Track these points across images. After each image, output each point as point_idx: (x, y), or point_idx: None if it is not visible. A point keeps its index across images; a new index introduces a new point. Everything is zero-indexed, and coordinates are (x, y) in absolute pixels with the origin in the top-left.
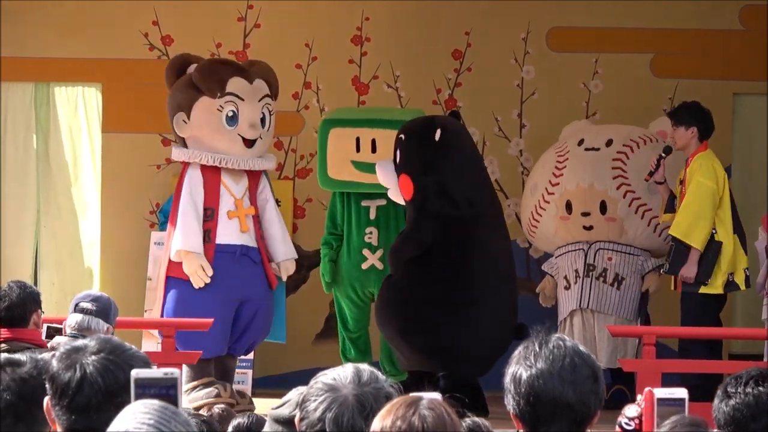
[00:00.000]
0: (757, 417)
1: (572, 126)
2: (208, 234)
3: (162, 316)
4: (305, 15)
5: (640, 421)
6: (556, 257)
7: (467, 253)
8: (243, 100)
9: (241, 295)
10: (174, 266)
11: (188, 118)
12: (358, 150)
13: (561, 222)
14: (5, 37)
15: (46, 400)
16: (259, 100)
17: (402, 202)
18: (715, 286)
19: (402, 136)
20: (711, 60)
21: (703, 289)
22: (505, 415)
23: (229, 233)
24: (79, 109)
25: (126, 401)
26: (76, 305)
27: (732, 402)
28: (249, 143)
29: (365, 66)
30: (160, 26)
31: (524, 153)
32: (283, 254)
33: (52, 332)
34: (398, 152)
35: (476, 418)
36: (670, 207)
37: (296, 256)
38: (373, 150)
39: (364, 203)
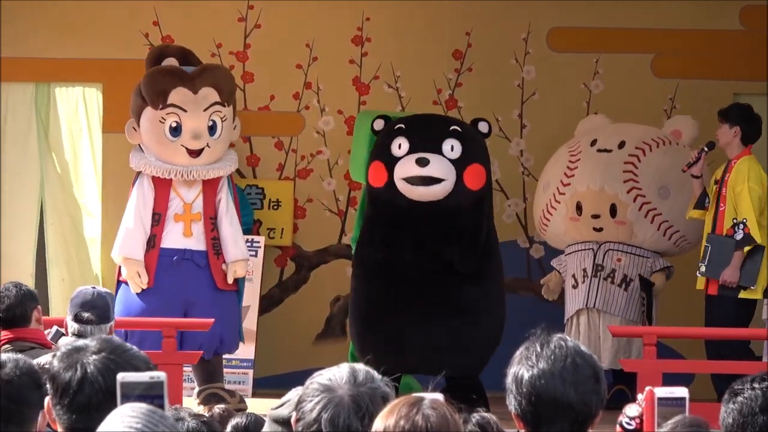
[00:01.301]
0: (766, 410)
1: (588, 121)
2: (153, 239)
3: None
4: (306, 15)
5: (641, 420)
6: (565, 255)
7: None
8: (186, 111)
9: (185, 300)
10: (121, 271)
11: (138, 125)
12: None
13: (571, 222)
14: (5, 37)
15: (47, 399)
16: (206, 109)
17: (440, 197)
18: (757, 291)
19: (457, 128)
20: (711, 60)
21: (743, 294)
22: (507, 415)
23: (173, 237)
24: (79, 109)
25: None
26: (76, 315)
27: (739, 398)
28: (194, 153)
29: (366, 66)
30: (161, 26)
31: (525, 153)
32: (233, 255)
33: (60, 336)
34: (459, 143)
35: (485, 414)
36: (700, 204)
37: (247, 257)
38: None
39: None
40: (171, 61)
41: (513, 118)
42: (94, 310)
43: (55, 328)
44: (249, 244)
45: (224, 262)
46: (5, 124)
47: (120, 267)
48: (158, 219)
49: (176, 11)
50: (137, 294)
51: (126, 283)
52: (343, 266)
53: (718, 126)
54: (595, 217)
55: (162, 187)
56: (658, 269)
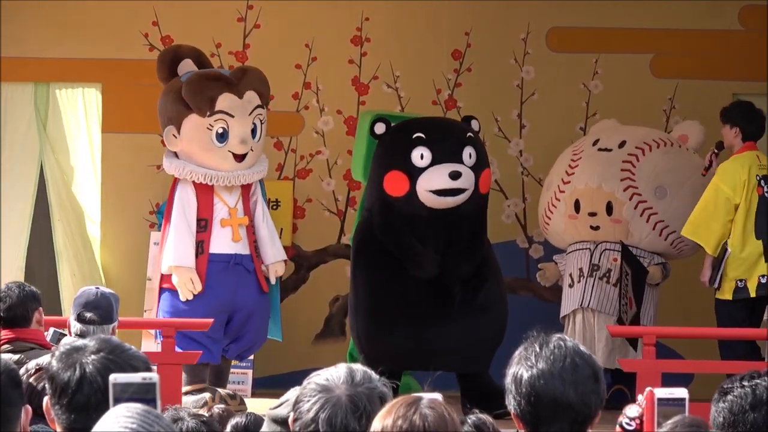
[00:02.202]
0: (756, 407)
1: (599, 125)
2: (201, 245)
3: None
4: (305, 15)
5: (641, 421)
6: (567, 253)
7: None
8: (233, 116)
9: (233, 304)
10: (166, 278)
11: (178, 132)
12: None
13: (569, 220)
14: (5, 37)
15: (46, 399)
16: (250, 113)
17: (458, 204)
18: (723, 292)
19: (471, 134)
20: (711, 60)
21: (717, 295)
22: (506, 415)
23: (221, 243)
24: (79, 109)
25: None
26: (78, 314)
27: (729, 396)
28: (240, 158)
29: (365, 66)
30: (160, 26)
31: (524, 153)
32: (272, 257)
33: (59, 337)
34: (474, 150)
35: (481, 415)
36: None
37: (285, 257)
38: None
39: None
40: (188, 63)
41: (512, 118)
42: (97, 310)
43: (52, 329)
44: None
45: (262, 263)
46: (5, 123)
47: (161, 276)
48: (205, 225)
49: (176, 11)
50: (190, 300)
51: (169, 290)
52: (343, 266)
53: (721, 127)
54: (592, 215)
55: (204, 192)
56: (655, 263)
